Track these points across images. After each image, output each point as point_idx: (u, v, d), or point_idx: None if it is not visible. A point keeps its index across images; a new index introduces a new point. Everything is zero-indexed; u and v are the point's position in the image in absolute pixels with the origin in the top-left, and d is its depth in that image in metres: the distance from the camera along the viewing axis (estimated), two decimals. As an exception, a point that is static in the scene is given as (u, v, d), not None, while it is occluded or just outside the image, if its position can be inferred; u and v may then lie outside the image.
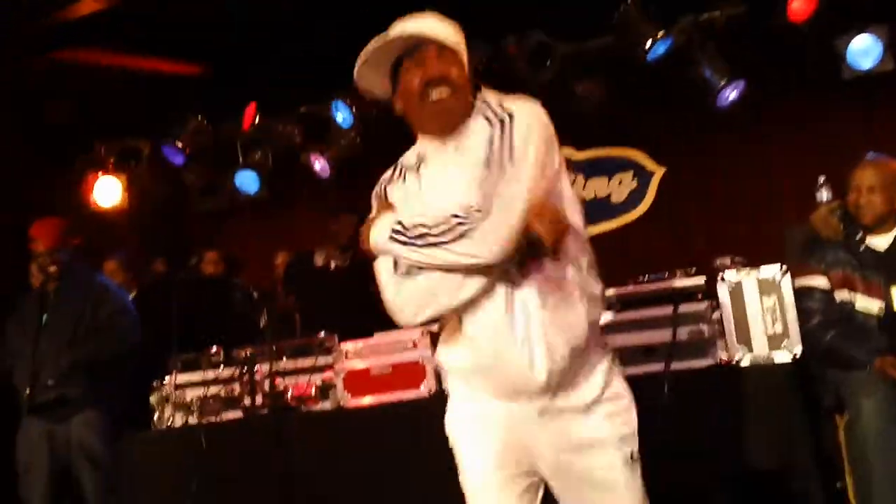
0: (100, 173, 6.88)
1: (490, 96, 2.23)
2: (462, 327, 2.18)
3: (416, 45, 2.17)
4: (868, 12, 5.17)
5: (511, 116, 2.13)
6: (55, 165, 6.78)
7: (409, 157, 2.31)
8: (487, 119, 2.16)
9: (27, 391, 4.51)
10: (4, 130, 6.34)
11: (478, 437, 2.23)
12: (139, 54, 6.06)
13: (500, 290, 2.11)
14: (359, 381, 4.15)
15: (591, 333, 2.18)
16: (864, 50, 5.16)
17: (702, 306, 3.70)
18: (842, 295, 3.73)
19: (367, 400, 4.14)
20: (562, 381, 2.13)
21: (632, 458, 2.19)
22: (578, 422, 2.17)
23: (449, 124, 2.19)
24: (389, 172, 2.33)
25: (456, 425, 2.28)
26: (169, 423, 4.52)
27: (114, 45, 5.96)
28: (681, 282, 3.80)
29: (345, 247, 5.44)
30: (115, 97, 6.34)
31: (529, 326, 2.10)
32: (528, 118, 2.13)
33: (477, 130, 2.17)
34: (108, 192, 6.88)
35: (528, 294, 2.11)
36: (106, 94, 6.32)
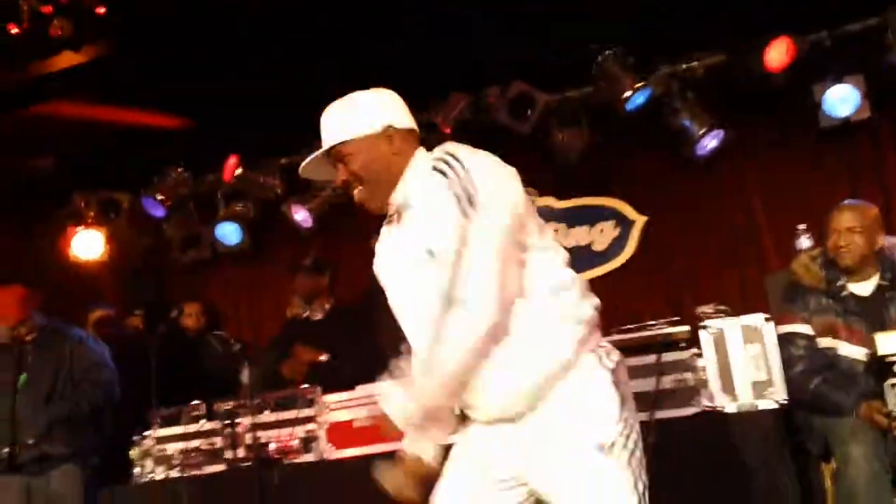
0: (80, 226, 6.84)
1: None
2: None
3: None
4: (844, 62, 5.24)
5: None
6: (34, 219, 6.74)
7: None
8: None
9: (7, 451, 4.47)
10: (-17, 183, 6.30)
11: None
12: (118, 106, 6.05)
13: None
14: (342, 433, 4.11)
15: None
16: (841, 98, 5.22)
17: (685, 355, 3.69)
18: (825, 342, 3.73)
19: (350, 452, 4.09)
20: None
21: None
22: None
23: (374, 210, 2.34)
24: None
25: None
26: (150, 477, 4.44)
27: (93, 98, 5.95)
28: (664, 330, 3.78)
29: (307, 300, 5.45)
30: (95, 150, 6.32)
31: None
32: None
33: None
34: (88, 245, 6.83)
35: None
36: (85, 146, 6.30)
